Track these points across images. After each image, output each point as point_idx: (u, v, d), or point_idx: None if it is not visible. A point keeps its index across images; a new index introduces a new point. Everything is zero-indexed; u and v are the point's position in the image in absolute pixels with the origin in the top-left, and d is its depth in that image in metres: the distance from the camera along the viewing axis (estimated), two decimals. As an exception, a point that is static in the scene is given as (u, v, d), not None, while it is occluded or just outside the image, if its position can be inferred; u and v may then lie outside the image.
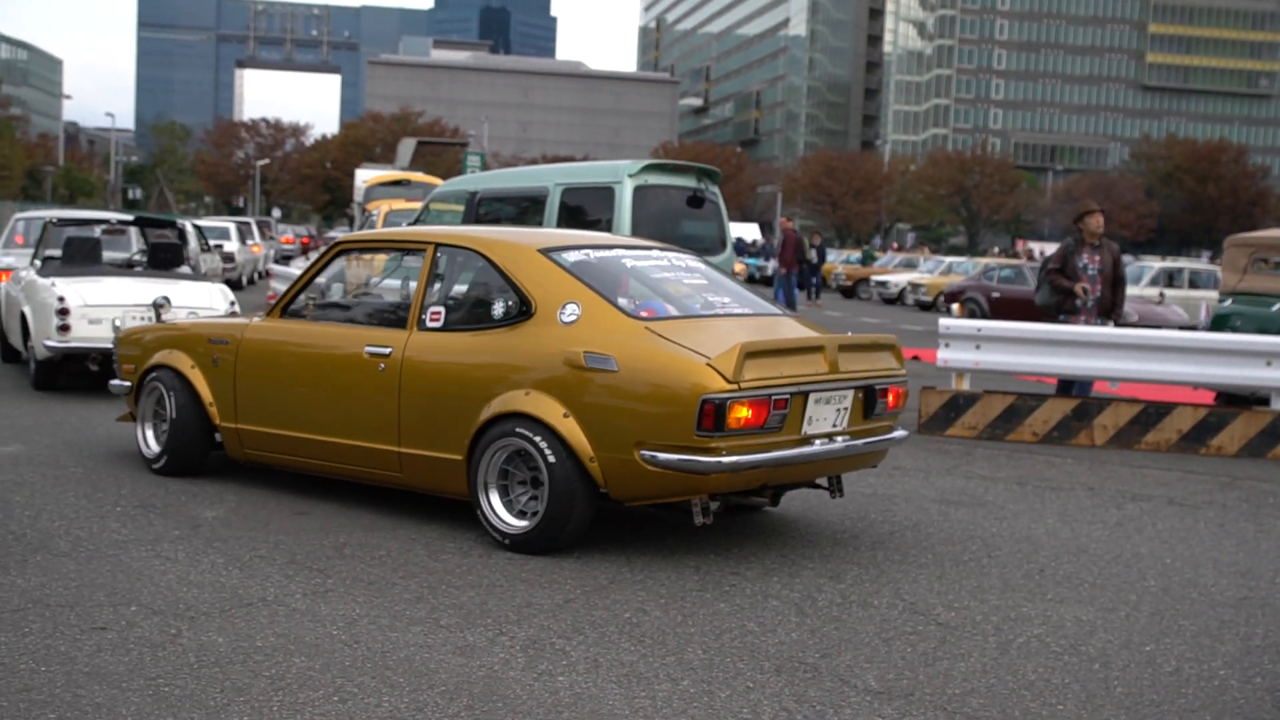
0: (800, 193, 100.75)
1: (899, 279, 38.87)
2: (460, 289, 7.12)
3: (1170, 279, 28.63)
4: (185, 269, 12.94)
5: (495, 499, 6.40)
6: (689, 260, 7.41)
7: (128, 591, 5.36)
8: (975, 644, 5.13)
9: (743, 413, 5.84)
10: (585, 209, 12.33)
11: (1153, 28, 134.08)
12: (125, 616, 5.03)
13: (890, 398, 6.69)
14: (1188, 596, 6.04)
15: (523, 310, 6.50)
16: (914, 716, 4.31)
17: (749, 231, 57.94)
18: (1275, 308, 12.80)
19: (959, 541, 6.96)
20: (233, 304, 11.87)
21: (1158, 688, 4.72)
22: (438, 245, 7.06)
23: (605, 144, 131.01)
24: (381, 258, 9.24)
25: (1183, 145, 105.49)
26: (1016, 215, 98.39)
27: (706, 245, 12.72)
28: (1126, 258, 41.57)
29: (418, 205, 16.40)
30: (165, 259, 12.74)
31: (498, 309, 6.71)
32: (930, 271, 39.15)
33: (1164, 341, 11.37)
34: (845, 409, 6.42)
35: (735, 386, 5.81)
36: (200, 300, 11.58)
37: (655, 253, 7.30)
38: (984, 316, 24.55)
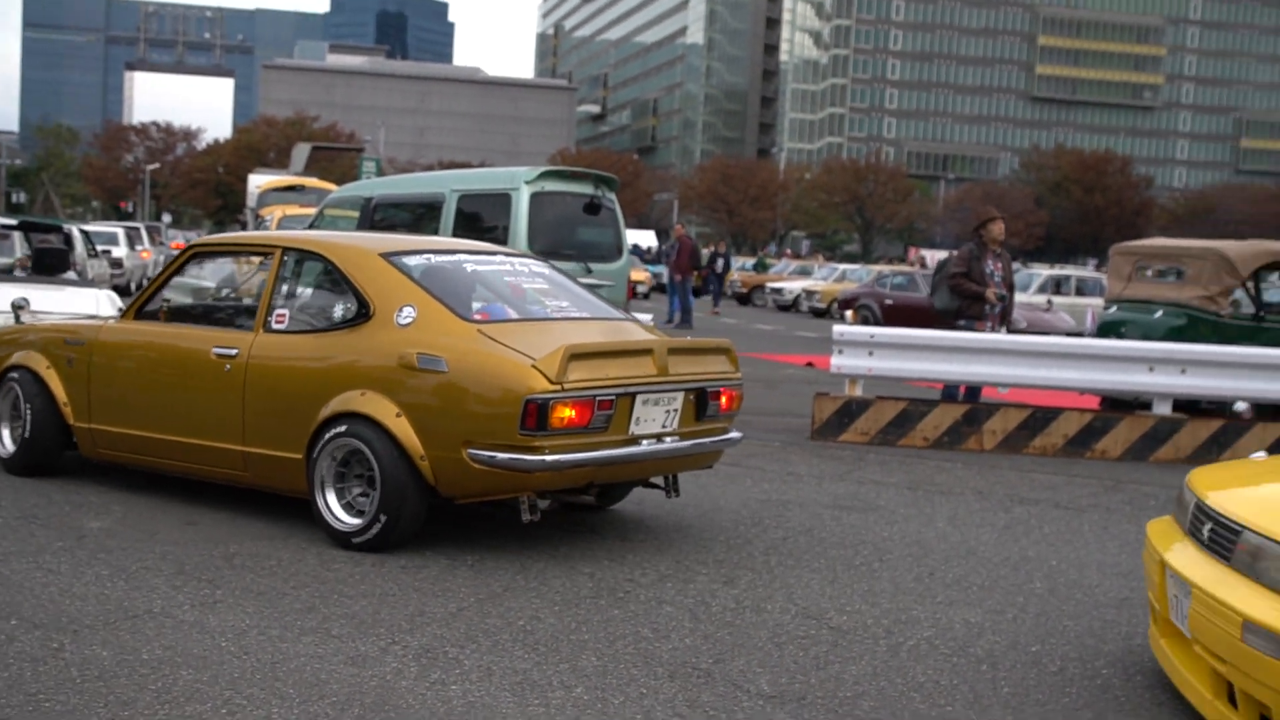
0: (697, 200, 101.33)
1: (794, 286, 39.20)
2: (305, 292, 7.30)
3: (1058, 286, 29.16)
4: (71, 274, 12.68)
5: (331, 497, 6.51)
6: (533, 265, 7.59)
7: (7, 605, 5.24)
8: (866, 647, 5.19)
9: (566, 413, 6.00)
10: (482, 216, 12.29)
11: (1042, 40, 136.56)
12: (4, 631, 4.91)
13: (723, 400, 6.84)
14: (1072, 597, 6.16)
15: (361, 312, 6.63)
16: (805, 720, 4.35)
17: (646, 238, 58.09)
18: (1158, 314, 13.08)
19: (851, 546, 7.03)
20: (120, 310, 11.65)
21: (1043, 687, 4.81)
22: (284, 249, 7.17)
23: (503, 150, 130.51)
24: (252, 260, 9.20)
25: (1070, 155, 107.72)
26: (910, 223, 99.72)
27: (603, 252, 12.75)
28: (1016, 265, 42.32)
29: (312, 211, 16.25)
30: (50, 264, 12.47)
31: (338, 311, 6.88)
32: (825, 279, 39.53)
33: (1051, 348, 11.58)
34: (675, 410, 6.57)
35: (558, 387, 5.97)
36: (86, 306, 11.35)
37: (499, 258, 7.50)
38: (877, 323, 24.83)
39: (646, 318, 12.34)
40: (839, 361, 11.33)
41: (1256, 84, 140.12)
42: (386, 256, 6.83)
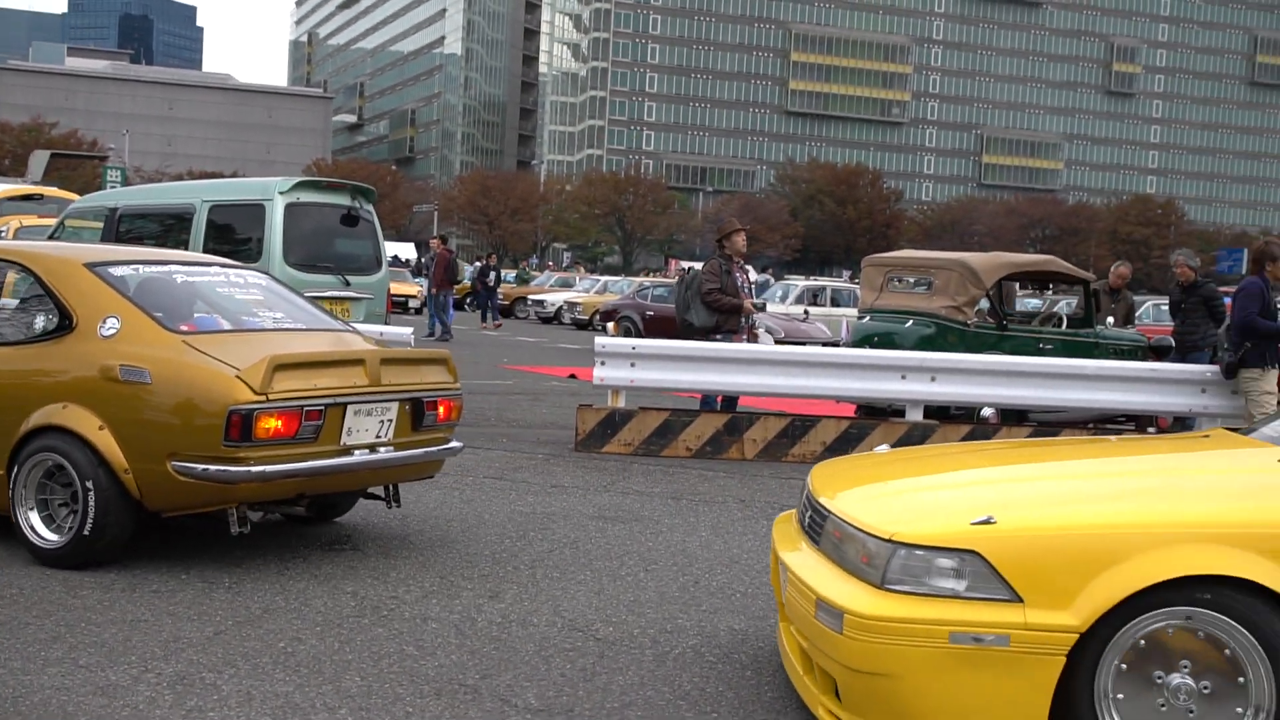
0: (457, 211, 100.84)
1: (555, 298, 39.28)
2: (8, 303, 7.15)
3: (814, 297, 29.89)
4: None
5: (33, 514, 6.33)
6: (249, 276, 7.52)
7: None
8: (633, 657, 5.20)
9: (272, 423, 5.98)
10: (234, 227, 11.98)
11: (795, 56, 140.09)
12: None
13: (441, 410, 6.88)
14: (833, 602, 6.29)
15: (64, 324, 6.49)
16: (574, 733, 4.33)
17: (405, 250, 57.50)
18: (909, 324, 13.50)
19: (616, 557, 7.05)
20: None
21: (806, 692, 4.88)
22: None
23: (256, 160, 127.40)
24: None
25: (824, 169, 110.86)
26: (669, 235, 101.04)
27: (361, 264, 12.55)
28: (768, 276, 43.26)
29: (52, 221, 15.56)
30: None
31: (40, 323, 6.71)
32: (586, 291, 39.75)
33: (809, 358, 11.86)
34: (390, 420, 6.58)
35: (263, 398, 5.94)
36: None
37: (214, 268, 7.41)
38: (639, 335, 25.06)
39: (407, 331, 12.21)
40: (601, 373, 11.38)
41: (996, 103, 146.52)
42: (91, 267, 6.68)
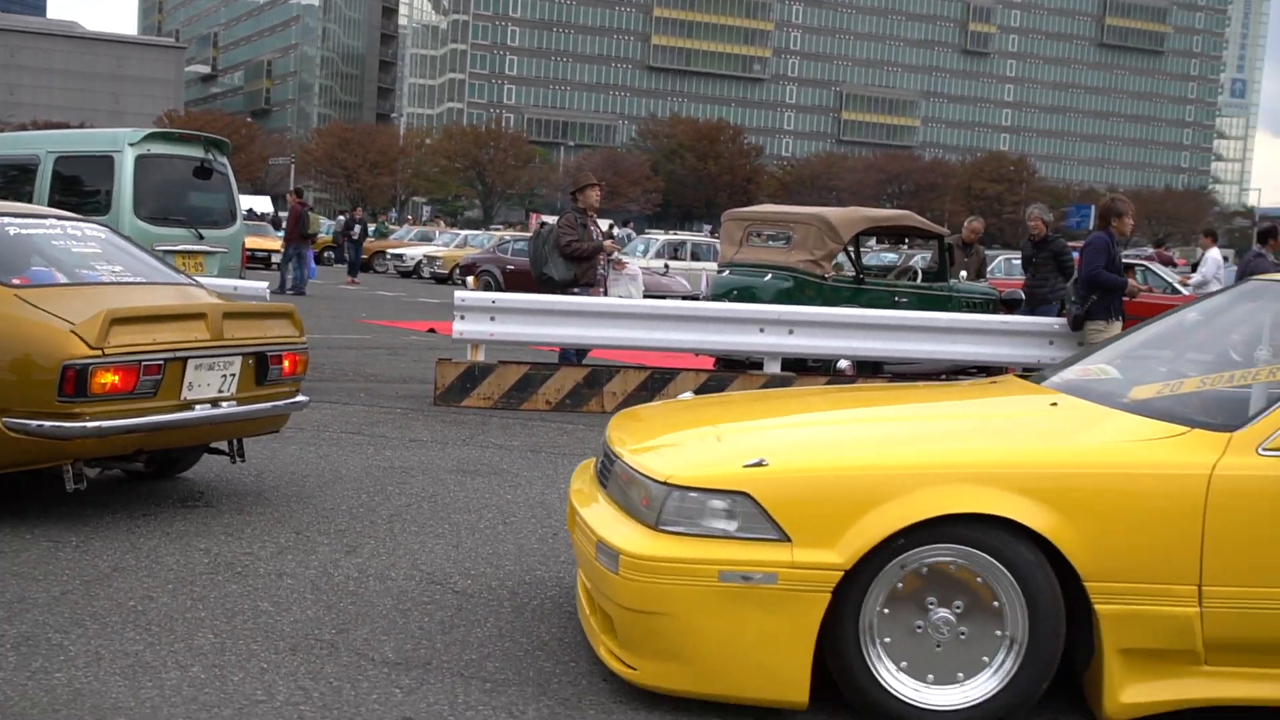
0: (315, 165, 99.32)
1: (415, 252, 38.88)
2: None
3: (675, 251, 30.02)
4: None
5: None
6: (87, 228, 7.34)
7: None
8: (491, 609, 5.20)
9: (108, 378, 5.90)
10: (82, 179, 11.68)
11: (657, 11, 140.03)
12: None
13: (285, 364, 6.82)
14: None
15: None
16: (431, 684, 4.33)
17: (261, 204, 56.50)
18: (767, 278, 13.62)
19: (475, 510, 7.04)
20: None
21: (663, 640, 4.93)
22: None
23: (104, 111, 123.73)
24: None
25: (685, 124, 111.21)
26: (530, 189, 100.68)
27: (216, 218, 12.32)
28: (629, 230, 43.31)
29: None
30: None
31: None
32: (446, 245, 39.43)
33: (669, 311, 11.92)
34: (233, 375, 6.51)
35: (99, 352, 5.86)
36: None
37: (50, 221, 7.21)
38: (499, 289, 24.97)
39: (262, 285, 12.02)
40: (461, 327, 11.32)
41: (855, 60, 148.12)
42: None
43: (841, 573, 3.98)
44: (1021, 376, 5.63)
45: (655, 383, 11.22)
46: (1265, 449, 4.16)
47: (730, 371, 11.99)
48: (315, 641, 4.71)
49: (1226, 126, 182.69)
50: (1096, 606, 4.06)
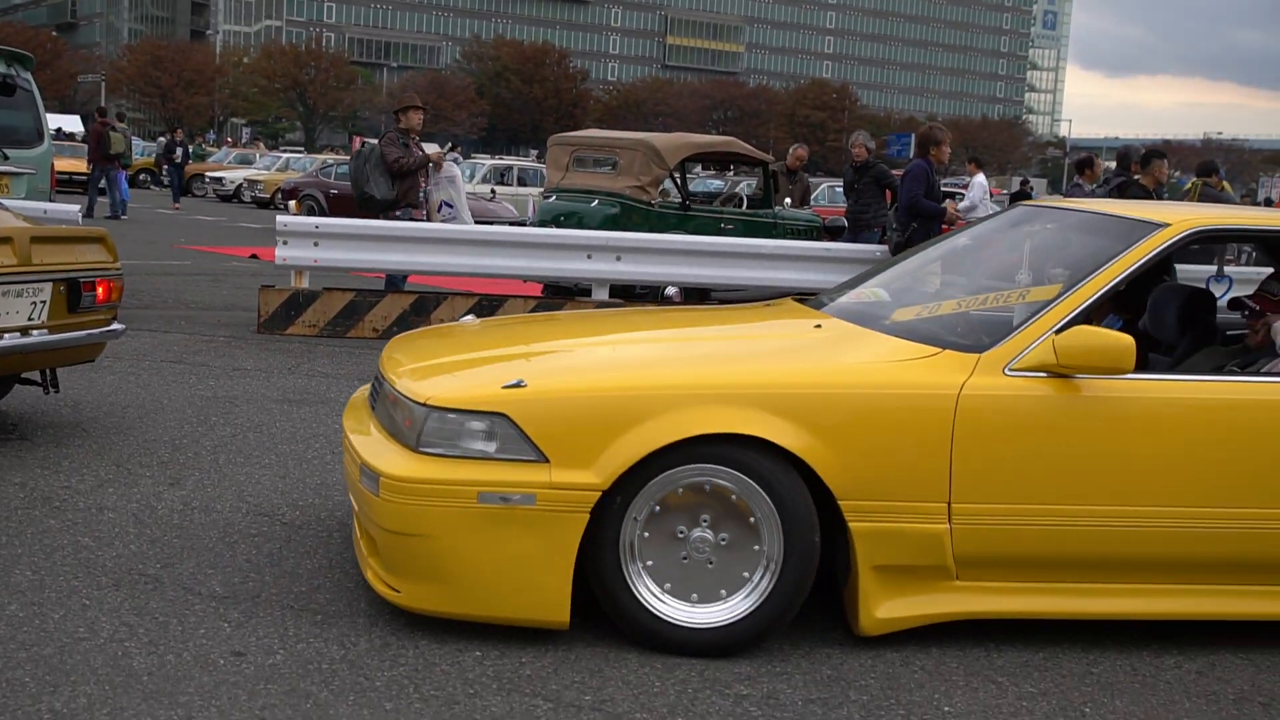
0: (127, 83, 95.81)
1: (235, 175, 37.89)
2: None
3: (501, 176, 29.81)
4: None
5: None
6: None
7: None
8: (320, 540, 5.16)
9: None
10: (-128, 95, 11.12)
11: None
12: None
13: (99, 291, 6.63)
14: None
15: None
16: (260, 617, 4.28)
17: (71, 124, 54.43)
18: (594, 204, 13.62)
19: (302, 440, 6.95)
20: None
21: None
22: None
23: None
24: None
25: (510, 46, 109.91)
26: (353, 111, 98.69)
27: (21, 137, 11.88)
28: (456, 155, 42.72)
29: None
30: None
31: None
32: (267, 168, 38.50)
33: (496, 237, 11.87)
34: (43, 302, 6.31)
35: None
36: None
37: None
38: (322, 213, 24.51)
39: (74, 209, 11.63)
40: (284, 253, 11.10)
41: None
42: None
43: (599, 493, 4.04)
44: (799, 300, 5.70)
45: (483, 310, 11.17)
46: (1012, 369, 4.32)
47: (558, 298, 11.99)
48: (139, 576, 4.61)
49: (1039, 58, 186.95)
50: (850, 524, 4.19)
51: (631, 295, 12.64)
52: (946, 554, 4.29)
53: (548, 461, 4.04)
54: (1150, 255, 4.60)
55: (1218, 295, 5.72)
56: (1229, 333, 5.67)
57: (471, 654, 4.10)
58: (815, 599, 4.40)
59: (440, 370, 4.53)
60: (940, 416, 4.23)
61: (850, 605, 4.35)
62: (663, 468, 4.10)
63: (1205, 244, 5.69)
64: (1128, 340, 4.26)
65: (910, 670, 4.23)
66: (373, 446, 4.31)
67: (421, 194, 11.71)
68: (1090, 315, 4.69)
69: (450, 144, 12.87)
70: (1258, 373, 4.83)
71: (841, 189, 16.07)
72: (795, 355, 4.71)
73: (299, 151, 53.14)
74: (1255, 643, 4.67)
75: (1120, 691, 4.21)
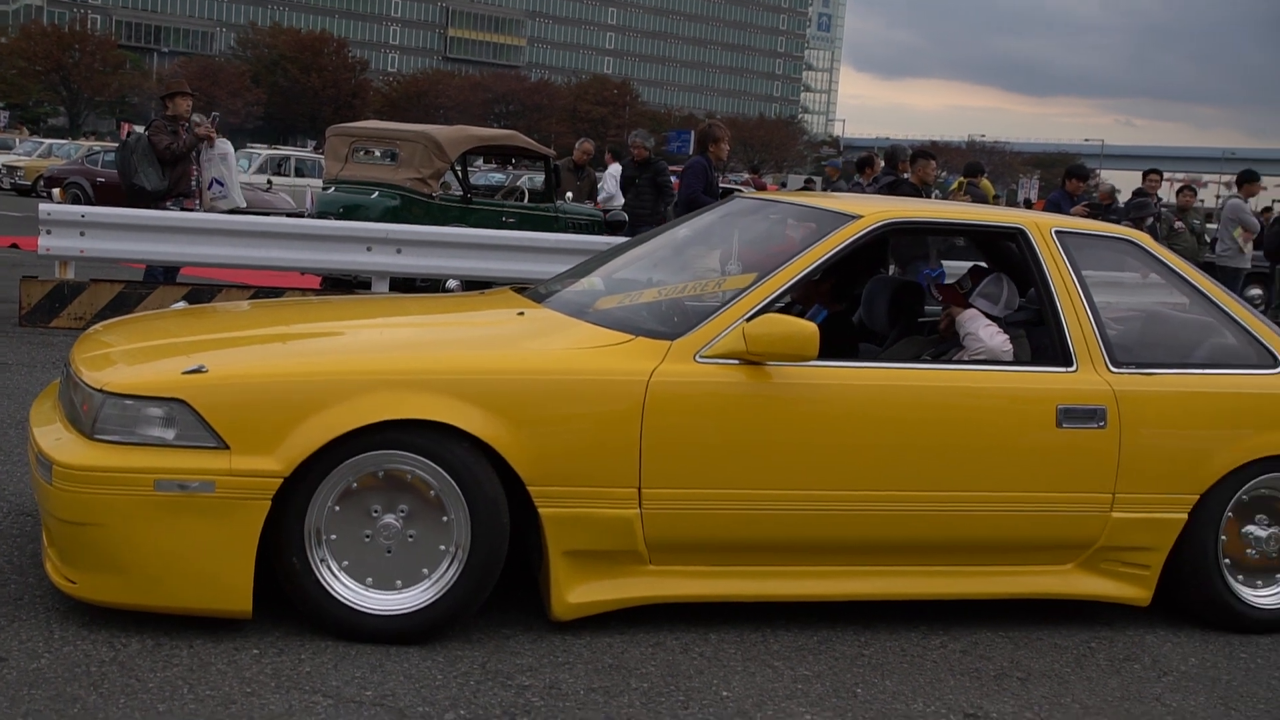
0: None
1: (-6, 161, 36.28)
2: None
3: (278, 167, 29.17)
4: None
5: None
6: None
7: None
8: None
9: None
10: None
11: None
12: None
13: None
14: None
15: None
16: (23, 620, 4.14)
17: None
18: (374, 195, 13.46)
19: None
20: None
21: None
22: None
23: None
24: None
25: (287, 34, 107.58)
26: (121, 97, 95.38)
27: None
28: (217, 115, 41.54)
29: None
30: None
31: None
32: (29, 154, 36.94)
33: (273, 228, 11.65)
34: None
35: None
36: None
37: None
38: (89, 202, 23.67)
39: None
40: (47, 242, 10.70)
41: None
42: None
43: (281, 480, 4.02)
44: (518, 289, 5.64)
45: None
46: (703, 356, 4.42)
47: (337, 292, 11.81)
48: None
49: (814, 59, 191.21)
50: (540, 510, 4.24)
51: (412, 288, 12.53)
52: (638, 539, 4.35)
53: (228, 448, 3.99)
54: (842, 245, 4.74)
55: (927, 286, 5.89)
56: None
57: (248, 652, 4.03)
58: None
59: (124, 357, 4.40)
60: (630, 403, 4.28)
61: (544, 590, 4.38)
62: (348, 454, 4.08)
63: (897, 236, 5.94)
64: (811, 328, 4.38)
65: (690, 657, 4.31)
66: (51, 435, 4.18)
67: (194, 182, 11.42)
68: (792, 304, 4.83)
69: (214, 115, 12.57)
70: (947, 361, 5.04)
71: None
72: (489, 343, 4.73)
73: (63, 137, 51.16)
74: (1015, 622, 4.89)
75: (890, 671, 4.36)
